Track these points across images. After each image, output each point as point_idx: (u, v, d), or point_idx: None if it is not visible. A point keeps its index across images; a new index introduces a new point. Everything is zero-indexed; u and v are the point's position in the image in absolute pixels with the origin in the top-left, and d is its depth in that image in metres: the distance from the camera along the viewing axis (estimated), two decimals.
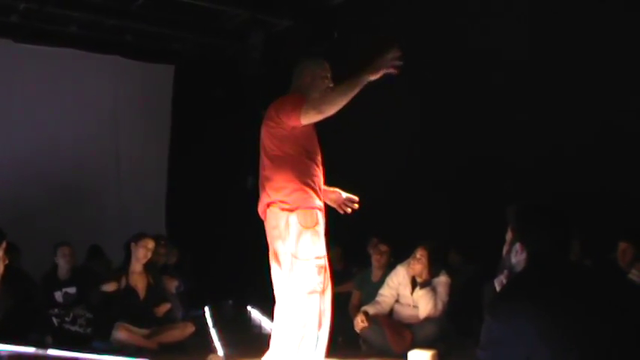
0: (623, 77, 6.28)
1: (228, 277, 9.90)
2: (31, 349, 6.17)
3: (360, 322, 6.61)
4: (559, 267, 2.83)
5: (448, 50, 7.67)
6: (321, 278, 4.64)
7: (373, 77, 4.58)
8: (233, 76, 10.48)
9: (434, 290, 6.65)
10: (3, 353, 5.64)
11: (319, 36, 9.32)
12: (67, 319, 7.17)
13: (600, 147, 6.35)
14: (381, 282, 7.07)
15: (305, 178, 4.70)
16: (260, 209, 4.80)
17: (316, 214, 4.71)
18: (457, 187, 7.51)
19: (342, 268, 8.50)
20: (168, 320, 7.12)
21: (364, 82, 4.58)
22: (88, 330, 7.16)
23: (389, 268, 7.18)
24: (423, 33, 7.97)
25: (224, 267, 10.02)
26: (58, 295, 7.32)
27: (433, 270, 6.71)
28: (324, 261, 4.70)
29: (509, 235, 3.00)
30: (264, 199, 4.75)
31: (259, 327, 8.40)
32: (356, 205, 5.11)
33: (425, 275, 6.70)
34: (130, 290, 6.88)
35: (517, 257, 2.78)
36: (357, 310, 6.99)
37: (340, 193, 5.16)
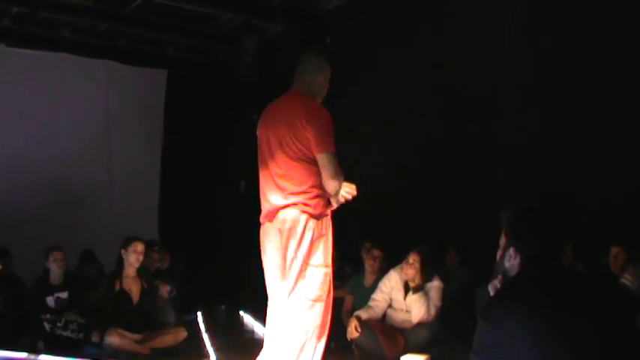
0: (614, 83, 6.30)
1: (220, 282, 9.89)
2: (23, 355, 6.17)
3: (354, 331, 6.60)
4: (552, 272, 2.84)
5: (442, 53, 7.68)
6: (326, 286, 4.63)
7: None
8: (226, 81, 10.48)
9: (427, 295, 6.66)
10: None
11: (312, 41, 9.32)
12: (58, 324, 7.16)
13: (592, 152, 6.36)
14: (373, 287, 7.07)
15: (322, 186, 4.63)
16: (270, 207, 4.65)
17: (330, 223, 4.72)
18: (451, 191, 7.51)
19: (334, 269, 8.50)
20: (161, 325, 7.11)
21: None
22: (80, 335, 7.15)
23: (382, 272, 7.19)
24: (415, 38, 7.99)
25: (216, 272, 10.01)
26: (50, 300, 7.30)
27: (426, 275, 6.72)
28: (330, 270, 4.68)
29: (502, 240, 3.00)
30: (278, 199, 4.61)
31: (252, 332, 8.39)
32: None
33: (418, 280, 6.70)
34: (124, 295, 6.86)
35: (510, 262, 2.77)
36: (350, 315, 6.99)
37: None
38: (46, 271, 7.45)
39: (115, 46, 10.23)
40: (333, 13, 9.06)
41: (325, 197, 4.64)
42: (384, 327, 6.74)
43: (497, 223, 5.13)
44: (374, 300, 6.88)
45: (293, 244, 4.55)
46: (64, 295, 7.35)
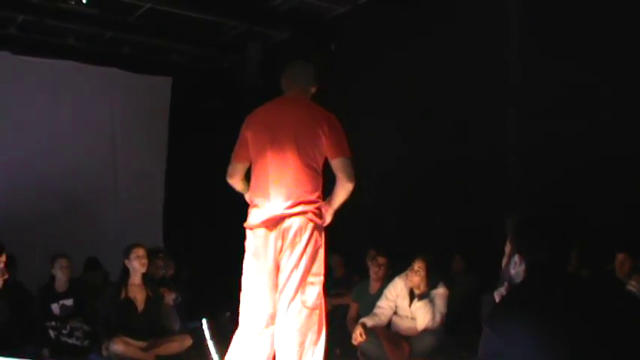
0: (620, 94, 6.31)
1: (225, 289, 9.87)
2: None
3: (358, 337, 6.59)
4: (557, 278, 2.83)
5: (448, 57, 7.68)
6: (322, 294, 4.66)
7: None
8: (230, 88, 10.49)
9: (432, 302, 6.64)
10: None
11: (317, 48, 9.34)
12: (64, 331, 7.15)
13: (597, 160, 6.36)
14: (378, 294, 7.05)
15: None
16: (272, 214, 4.53)
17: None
18: (456, 199, 7.51)
19: (342, 275, 8.50)
20: (166, 333, 7.11)
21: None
22: (85, 342, 7.14)
23: (387, 279, 7.17)
24: (421, 41, 7.99)
25: (221, 279, 9.98)
26: (55, 308, 7.29)
27: (431, 282, 6.70)
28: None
29: (508, 247, 2.99)
30: (284, 206, 4.51)
31: None
32: None
33: (423, 287, 6.68)
34: (129, 302, 6.86)
35: (516, 268, 2.77)
36: (355, 322, 6.98)
37: None
38: (51, 279, 7.45)
39: (120, 54, 10.27)
40: (338, 20, 9.07)
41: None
42: (390, 334, 6.72)
43: (502, 231, 5.13)
44: (379, 307, 6.86)
45: (296, 253, 4.51)
46: (69, 302, 7.35)
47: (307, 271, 4.54)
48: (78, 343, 7.16)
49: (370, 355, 6.67)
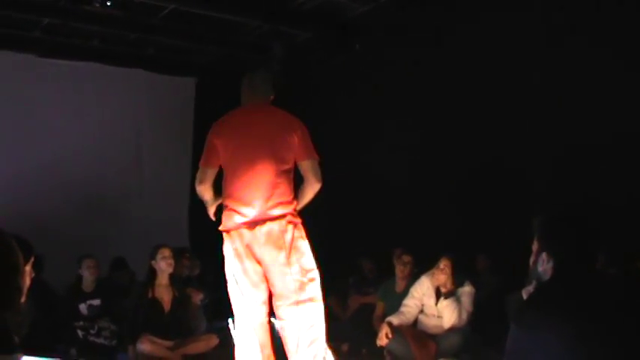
0: None
1: None
2: None
3: (384, 337, 6.58)
4: (585, 276, 2.81)
5: (474, 54, 7.65)
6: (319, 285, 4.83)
7: None
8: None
9: (458, 300, 6.62)
10: None
11: (341, 47, 9.33)
12: (91, 331, 7.21)
13: (625, 157, 6.30)
14: (404, 293, 7.04)
15: None
16: (253, 216, 4.71)
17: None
18: (483, 197, 7.47)
19: (373, 277, 8.51)
20: (192, 332, 7.13)
21: None
22: (113, 342, 7.19)
23: (413, 278, 7.16)
24: (446, 38, 7.96)
25: None
26: (83, 308, 7.35)
27: (457, 280, 6.68)
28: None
29: (535, 246, 2.98)
30: (264, 208, 4.70)
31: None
32: None
33: (449, 285, 6.66)
34: (156, 302, 6.89)
35: (543, 267, 2.75)
36: (381, 321, 6.97)
37: None
38: (79, 279, 7.51)
39: (144, 55, 10.32)
40: (362, 18, 9.05)
41: None
42: (416, 333, 6.71)
43: (529, 229, 5.10)
44: (405, 305, 6.85)
45: (283, 256, 4.70)
46: (96, 302, 7.40)
47: (302, 270, 4.75)
48: (106, 342, 7.21)
49: (396, 353, 6.66)
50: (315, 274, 4.81)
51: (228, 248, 4.87)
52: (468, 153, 7.69)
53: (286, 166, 4.81)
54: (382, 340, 6.60)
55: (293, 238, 4.73)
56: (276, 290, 4.80)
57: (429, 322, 6.76)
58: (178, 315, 6.96)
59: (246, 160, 4.77)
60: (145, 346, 6.61)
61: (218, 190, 5.06)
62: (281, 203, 4.73)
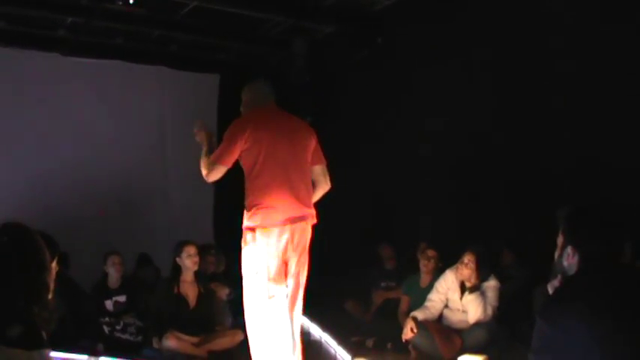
0: None
1: None
2: (83, 357, 6.26)
3: (409, 332, 6.58)
4: (611, 270, 2.79)
5: (502, 50, 7.60)
6: None
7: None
8: (277, 84, 10.51)
9: (483, 295, 6.60)
10: None
11: (363, 42, 9.31)
12: (117, 327, 7.25)
13: None
14: (429, 287, 7.03)
15: None
16: (289, 214, 4.93)
17: None
18: (507, 190, 7.43)
19: (393, 268, 8.49)
20: (218, 328, 7.16)
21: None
22: (139, 338, 7.23)
23: (437, 273, 7.15)
24: (474, 34, 7.92)
25: None
26: (109, 304, 7.40)
27: (482, 274, 6.66)
28: None
29: (560, 239, 2.95)
30: (299, 208, 4.98)
31: (307, 334, 8.40)
32: None
33: (473, 280, 6.65)
34: (181, 298, 6.93)
35: (568, 261, 2.72)
36: (406, 316, 6.97)
37: None
38: (105, 275, 7.56)
39: (167, 52, 10.36)
40: (384, 12, 9.03)
41: None
42: (441, 327, 6.70)
43: (554, 222, 5.06)
44: (430, 300, 6.84)
45: (305, 252, 5.07)
46: (122, 298, 7.45)
47: (306, 265, 5.13)
48: (131, 338, 7.25)
49: (421, 348, 6.66)
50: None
51: (259, 244, 4.93)
52: (493, 146, 7.64)
53: (309, 168, 5.15)
54: (407, 335, 6.60)
55: (311, 237, 5.11)
56: (297, 284, 5.05)
57: (454, 317, 6.75)
58: (204, 311, 6.99)
59: (282, 160, 4.98)
60: (170, 342, 6.64)
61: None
62: (310, 205, 5.08)
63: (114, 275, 7.52)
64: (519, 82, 7.35)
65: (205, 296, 7.05)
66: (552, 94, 7.03)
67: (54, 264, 3.37)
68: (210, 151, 5.31)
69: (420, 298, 7.06)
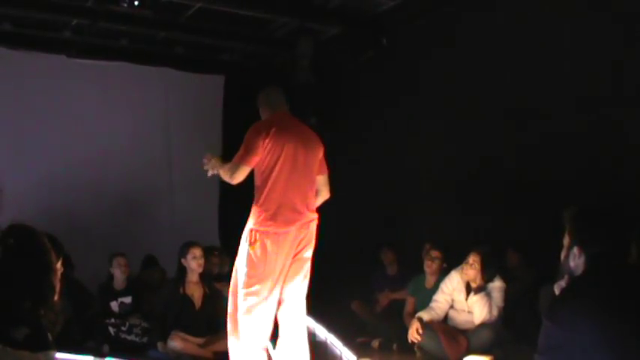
0: None
1: None
2: (89, 358, 6.27)
3: (415, 333, 6.58)
4: (618, 270, 2.78)
5: (498, 54, 7.60)
6: None
7: None
8: (283, 85, 10.51)
9: (488, 295, 6.59)
10: None
11: (367, 43, 9.31)
12: (123, 328, 7.26)
13: None
14: (435, 288, 7.03)
15: None
16: (297, 217, 5.09)
17: None
18: (513, 191, 7.41)
19: (396, 272, 8.47)
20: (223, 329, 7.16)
21: None
22: (144, 339, 7.23)
23: (442, 274, 7.14)
24: (474, 37, 7.92)
25: None
26: (114, 305, 7.43)
27: (487, 275, 6.64)
28: None
29: (566, 240, 2.94)
30: (306, 212, 5.15)
31: (312, 334, 8.39)
32: None
33: (479, 280, 6.64)
34: (186, 299, 6.93)
35: (575, 261, 2.72)
36: (412, 317, 6.96)
37: None
38: (110, 277, 7.59)
39: (172, 54, 10.37)
40: (389, 14, 9.02)
41: None
42: (447, 328, 6.69)
43: (559, 223, 5.06)
44: (435, 301, 6.83)
45: (309, 256, 5.20)
46: (127, 299, 7.48)
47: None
48: (137, 339, 7.26)
49: (427, 349, 6.65)
50: None
51: (265, 247, 5.02)
52: (499, 147, 7.64)
53: (315, 176, 5.29)
54: (413, 336, 6.59)
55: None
56: (298, 286, 5.20)
57: (460, 318, 6.74)
58: (209, 312, 6.98)
59: (298, 166, 5.12)
60: (176, 343, 6.64)
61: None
62: (314, 209, 5.24)
63: (119, 277, 7.54)
64: (525, 82, 7.34)
65: (211, 297, 7.05)
66: (557, 92, 7.03)
67: (59, 265, 3.38)
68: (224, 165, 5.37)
69: (425, 299, 7.05)
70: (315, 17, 9.39)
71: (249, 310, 5.07)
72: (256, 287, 5.05)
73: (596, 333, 2.54)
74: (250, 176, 5.21)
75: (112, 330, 7.23)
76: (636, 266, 3.27)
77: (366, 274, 8.70)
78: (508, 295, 6.69)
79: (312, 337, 8.28)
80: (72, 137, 9.75)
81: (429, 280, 7.41)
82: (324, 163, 5.37)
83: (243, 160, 5.13)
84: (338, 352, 6.77)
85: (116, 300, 7.44)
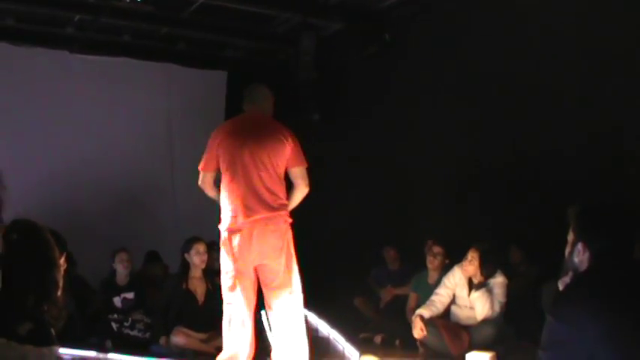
0: None
1: None
2: (92, 353, 6.28)
3: (420, 332, 6.58)
4: (623, 266, 2.78)
5: (503, 49, 7.58)
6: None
7: None
8: (285, 81, 10.52)
9: (490, 291, 6.59)
10: (66, 357, 5.74)
11: (370, 39, 9.29)
12: (125, 323, 7.27)
13: None
14: (437, 284, 7.03)
15: None
16: (253, 218, 5.17)
17: None
18: (516, 187, 7.41)
19: (398, 269, 8.47)
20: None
21: None
22: (147, 334, 7.25)
23: (445, 269, 7.14)
24: (477, 32, 7.90)
25: None
26: (117, 301, 7.43)
27: (487, 271, 6.64)
28: None
29: (571, 236, 2.93)
30: (265, 211, 5.19)
31: (315, 330, 8.39)
32: None
33: (479, 276, 6.64)
34: (189, 294, 6.94)
35: (579, 257, 2.71)
36: (414, 312, 6.96)
37: None
38: (113, 272, 7.59)
39: (174, 50, 10.36)
40: (392, 9, 9.01)
41: None
42: (449, 324, 6.69)
43: (562, 219, 5.06)
44: (437, 294, 6.82)
45: (283, 255, 5.25)
46: (130, 295, 7.48)
47: (292, 268, 5.32)
48: (140, 334, 7.27)
49: (430, 345, 6.66)
50: (297, 269, 5.36)
51: (227, 246, 5.23)
52: (502, 143, 7.63)
53: (280, 172, 5.31)
54: (418, 335, 6.61)
55: (290, 239, 5.31)
56: (272, 284, 5.31)
57: (462, 314, 6.74)
58: (212, 307, 6.97)
59: (248, 166, 5.22)
60: (178, 338, 6.66)
61: None
62: (280, 206, 5.26)
63: (122, 272, 7.55)
64: (527, 79, 7.33)
65: (213, 292, 7.04)
66: (560, 91, 7.02)
67: (62, 261, 3.38)
68: None
69: (428, 294, 7.05)
70: (318, 13, 9.38)
71: (233, 310, 5.32)
72: (234, 288, 5.26)
73: (600, 329, 2.53)
74: None
75: (114, 325, 7.25)
76: None
77: (369, 270, 8.71)
78: (511, 291, 6.68)
79: (314, 333, 8.32)
80: (75, 133, 9.73)
81: (432, 276, 7.42)
82: (296, 156, 5.37)
83: (200, 166, 5.53)
84: (341, 348, 6.77)
85: (119, 295, 7.45)
